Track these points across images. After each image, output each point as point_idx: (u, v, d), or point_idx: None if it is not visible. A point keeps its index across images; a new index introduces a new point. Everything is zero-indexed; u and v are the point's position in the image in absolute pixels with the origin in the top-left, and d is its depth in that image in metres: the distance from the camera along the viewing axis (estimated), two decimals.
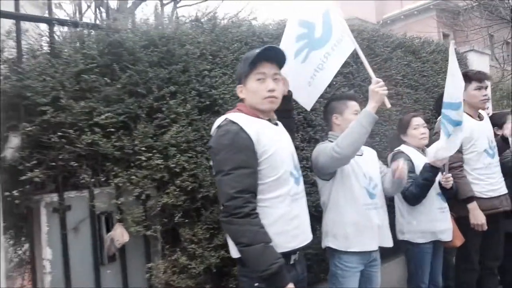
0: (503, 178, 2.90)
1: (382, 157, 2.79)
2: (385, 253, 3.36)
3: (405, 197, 2.60)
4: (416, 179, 2.57)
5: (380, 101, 2.03)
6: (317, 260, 2.87)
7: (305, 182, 1.98)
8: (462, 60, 5.07)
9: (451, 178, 2.59)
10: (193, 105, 2.44)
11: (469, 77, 2.83)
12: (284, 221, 1.72)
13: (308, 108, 2.54)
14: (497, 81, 15.09)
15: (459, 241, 2.80)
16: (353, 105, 2.39)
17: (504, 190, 2.87)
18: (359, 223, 2.24)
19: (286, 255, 1.72)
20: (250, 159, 1.66)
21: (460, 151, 2.78)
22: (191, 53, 2.49)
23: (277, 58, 1.84)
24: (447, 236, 2.71)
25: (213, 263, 2.35)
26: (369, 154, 2.51)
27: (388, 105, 2.09)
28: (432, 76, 4.24)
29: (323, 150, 2.18)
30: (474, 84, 2.82)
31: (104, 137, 2.14)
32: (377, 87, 2.03)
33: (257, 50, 1.76)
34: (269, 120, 1.84)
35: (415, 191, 2.54)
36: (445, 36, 19.75)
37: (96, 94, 2.17)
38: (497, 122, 3.33)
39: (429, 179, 2.53)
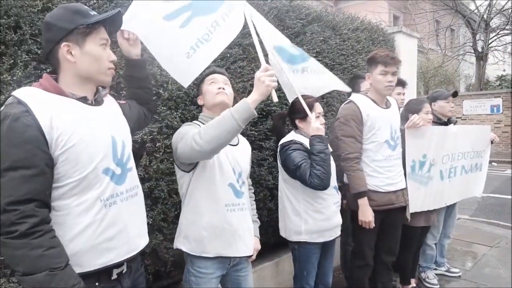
0: (403, 171, 2.69)
1: None
2: (278, 248, 3.18)
3: (311, 183, 2.20)
4: (312, 159, 2.23)
5: (266, 94, 1.62)
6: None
7: None
8: (389, 42, 4.86)
9: None
10: (28, 73, 1.92)
11: (375, 59, 2.54)
12: (91, 234, 1.31)
13: (185, 85, 2.04)
14: (437, 66, 15.67)
15: None
16: (209, 79, 2.01)
17: (402, 184, 2.66)
18: (217, 227, 1.89)
19: (103, 271, 1.35)
20: (33, 155, 1.20)
21: (359, 141, 2.53)
22: (28, 5, 1.95)
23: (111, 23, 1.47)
24: (338, 231, 2.50)
25: None
26: (244, 145, 2.16)
27: (275, 99, 1.68)
28: (352, 55, 3.95)
29: (184, 136, 1.76)
30: (379, 68, 2.51)
31: None
32: (264, 76, 1.61)
33: (108, 13, 1.40)
34: (84, 98, 1.38)
35: (318, 172, 2.17)
36: (396, 18, 19.99)
37: None
38: (412, 108, 3.11)
39: (323, 150, 2.20)
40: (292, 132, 2.45)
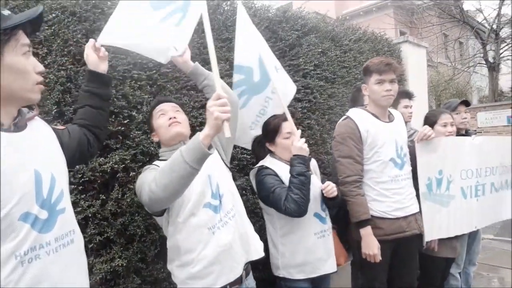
0: (414, 193, 2.33)
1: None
2: None
3: (287, 209, 1.94)
4: (290, 181, 1.96)
5: (217, 128, 1.34)
6: None
7: None
8: (395, 52, 4.58)
9: (332, 186, 2.06)
10: None
11: (369, 69, 2.27)
12: None
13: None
14: (448, 79, 15.31)
15: (343, 258, 2.37)
16: (157, 112, 1.79)
17: (414, 208, 2.29)
18: (209, 255, 1.61)
19: None
20: None
21: (359, 162, 2.20)
22: None
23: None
24: (330, 267, 2.13)
25: None
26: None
27: (228, 134, 1.37)
28: (355, 67, 3.67)
29: (143, 185, 1.53)
30: (374, 77, 2.24)
31: None
32: (214, 106, 1.34)
33: (30, 11, 1.12)
34: None
35: (295, 197, 1.91)
36: (402, 34, 19.78)
37: None
38: (428, 121, 2.77)
39: (303, 173, 1.93)
40: (268, 156, 2.20)
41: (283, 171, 2.05)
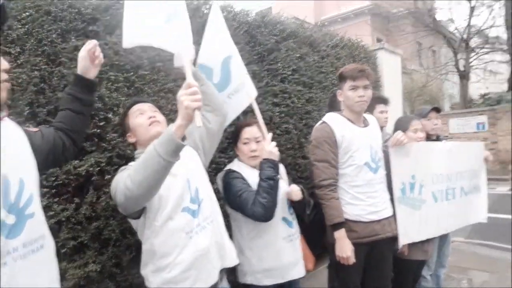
0: (388, 197, 2.39)
1: None
2: None
3: (254, 213, 1.92)
4: (259, 184, 1.94)
5: (188, 118, 1.32)
6: None
7: None
8: (371, 59, 4.68)
9: (296, 189, 2.07)
10: None
11: (343, 75, 2.32)
12: None
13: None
14: (421, 85, 15.77)
15: (311, 263, 2.36)
16: (135, 111, 1.75)
17: (388, 212, 2.34)
18: (186, 260, 1.58)
19: None
20: None
21: (334, 166, 2.24)
22: None
23: None
24: (298, 272, 2.14)
25: None
26: (190, 153, 1.80)
27: (199, 123, 1.36)
28: (332, 73, 3.73)
29: (118, 184, 1.48)
30: (348, 83, 2.29)
31: None
32: (185, 95, 1.33)
33: None
34: None
35: (263, 200, 1.89)
36: (379, 41, 20.24)
37: None
38: (400, 126, 2.84)
39: (272, 177, 1.93)
40: (235, 160, 2.21)
41: (250, 175, 2.05)
